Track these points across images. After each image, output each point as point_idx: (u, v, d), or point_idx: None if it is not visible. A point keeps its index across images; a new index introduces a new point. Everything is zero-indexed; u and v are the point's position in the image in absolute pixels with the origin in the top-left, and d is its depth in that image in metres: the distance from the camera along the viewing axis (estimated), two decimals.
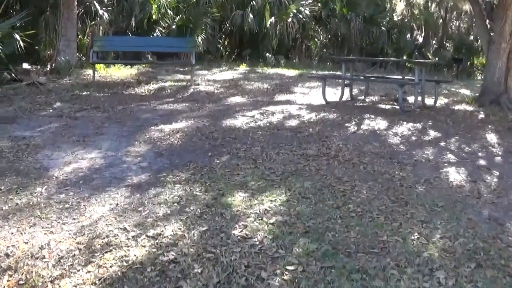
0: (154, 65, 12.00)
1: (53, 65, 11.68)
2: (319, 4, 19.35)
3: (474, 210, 3.90)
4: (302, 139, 5.74)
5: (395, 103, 8.88)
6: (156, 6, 15.06)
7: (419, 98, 8.29)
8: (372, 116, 7.18)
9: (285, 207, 3.76)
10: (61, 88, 9.26)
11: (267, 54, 16.69)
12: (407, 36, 23.15)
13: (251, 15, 16.27)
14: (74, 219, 3.49)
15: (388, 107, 8.43)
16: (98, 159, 4.90)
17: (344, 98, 8.85)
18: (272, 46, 17.23)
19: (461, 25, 26.55)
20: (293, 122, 6.59)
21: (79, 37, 12.66)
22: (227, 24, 17.48)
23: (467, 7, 12.72)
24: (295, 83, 11.09)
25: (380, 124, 6.75)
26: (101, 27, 13.02)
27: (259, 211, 3.66)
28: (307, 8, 17.71)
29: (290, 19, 16.93)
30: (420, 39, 24.70)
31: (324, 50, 20.98)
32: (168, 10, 15.40)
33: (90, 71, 10.93)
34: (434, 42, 25.39)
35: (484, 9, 9.36)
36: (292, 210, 3.70)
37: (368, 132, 6.23)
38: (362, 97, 9.24)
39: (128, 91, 9.16)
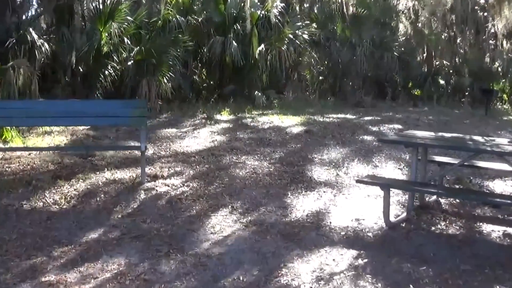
0: (96, 132, 7.98)
1: None
2: (314, 25, 15.60)
3: None
4: None
5: (499, 217, 5.15)
6: (106, 34, 11.16)
7: None
8: None
9: None
10: None
11: (256, 92, 12.88)
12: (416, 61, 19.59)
13: (234, 43, 12.50)
14: None
15: (506, 239, 4.59)
16: None
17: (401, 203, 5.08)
18: (262, 80, 13.46)
19: (465, 45, 22.84)
20: None
21: None
22: (203, 51, 13.58)
23: None
24: (309, 153, 7.36)
25: None
26: (21, 70, 8.98)
27: None
28: (305, 32, 13.99)
29: (285, 46, 13.18)
30: (427, 64, 21.03)
31: (321, 78, 17.28)
32: (125, 39, 11.49)
33: None
34: (443, 66, 21.74)
35: None
36: None
37: None
38: (433, 200, 5.46)
39: (32, 200, 5.19)
